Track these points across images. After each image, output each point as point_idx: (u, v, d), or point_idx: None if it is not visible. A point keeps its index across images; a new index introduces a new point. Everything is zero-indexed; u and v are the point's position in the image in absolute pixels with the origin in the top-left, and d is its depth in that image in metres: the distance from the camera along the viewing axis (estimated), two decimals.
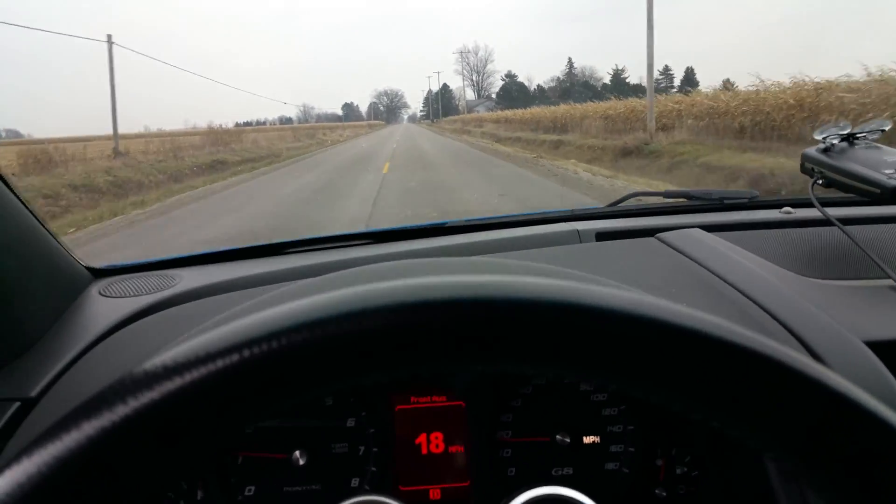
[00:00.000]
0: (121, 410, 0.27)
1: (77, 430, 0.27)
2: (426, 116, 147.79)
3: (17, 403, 0.74)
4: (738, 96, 15.63)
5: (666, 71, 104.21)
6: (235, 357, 0.29)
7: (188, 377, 0.28)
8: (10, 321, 0.81)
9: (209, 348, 0.29)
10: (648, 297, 0.32)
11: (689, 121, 16.17)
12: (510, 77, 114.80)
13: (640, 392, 0.31)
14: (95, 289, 1.02)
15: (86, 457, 0.27)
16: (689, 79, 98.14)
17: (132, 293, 1.00)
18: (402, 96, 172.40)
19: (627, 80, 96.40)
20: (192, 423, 0.29)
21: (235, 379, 0.29)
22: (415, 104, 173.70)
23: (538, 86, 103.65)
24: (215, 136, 26.42)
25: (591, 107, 26.58)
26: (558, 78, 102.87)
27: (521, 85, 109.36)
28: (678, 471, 0.81)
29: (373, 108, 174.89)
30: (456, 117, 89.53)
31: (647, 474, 0.81)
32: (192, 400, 0.28)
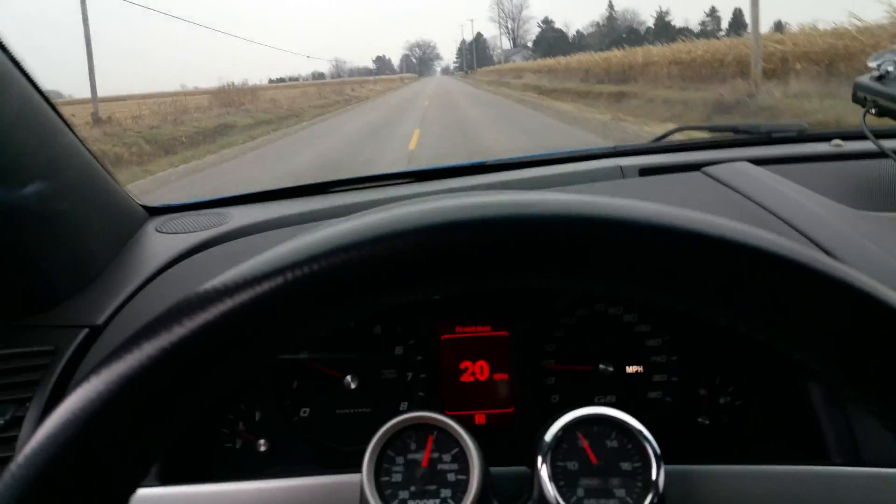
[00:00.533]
0: (178, 331, 0.30)
1: (139, 350, 0.29)
2: (459, 68, 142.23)
3: (86, 330, 0.81)
4: (871, 32, 12.10)
5: (712, 13, 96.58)
6: (280, 279, 0.30)
7: (237, 298, 0.30)
8: (75, 255, 0.88)
9: (255, 272, 0.31)
10: (675, 209, 0.32)
11: (799, 65, 12.08)
12: (547, 23, 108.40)
13: (678, 303, 0.32)
14: (152, 226, 1.08)
15: (149, 373, 0.29)
16: (738, 21, 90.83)
17: (186, 230, 1.06)
18: (434, 47, 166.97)
19: (672, 23, 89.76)
20: (249, 336, 0.30)
21: (281, 298, 0.30)
22: (447, 55, 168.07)
23: (577, 32, 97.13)
24: (226, 95, 22.49)
25: (657, 51, 22.29)
26: (598, 23, 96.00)
27: (560, 32, 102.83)
28: (721, 400, 0.83)
29: (405, 60, 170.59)
30: (491, 68, 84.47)
31: (690, 403, 0.83)
32: (245, 318, 0.30)
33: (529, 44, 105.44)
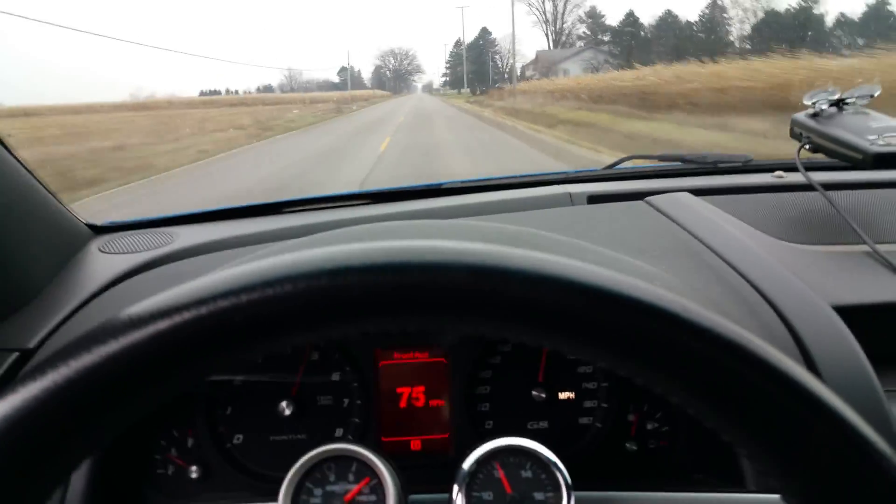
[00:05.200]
0: (86, 359, 0.32)
1: (42, 377, 0.32)
2: (451, 83, 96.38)
3: (16, 354, 0.86)
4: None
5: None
6: (187, 314, 0.33)
7: (145, 331, 0.32)
8: (10, 276, 0.96)
9: (162, 306, 0.33)
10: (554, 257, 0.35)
11: None
12: (595, 17, 63.81)
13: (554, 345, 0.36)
14: (95, 245, 1.17)
15: (50, 402, 0.32)
16: None
17: (130, 250, 1.14)
18: (414, 57, 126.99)
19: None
20: (153, 371, 0.33)
21: (191, 333, 0.33)
22: (432, 69, 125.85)
23: (687, 22, 52.64)
24: None
25: None
26: (701, 15, 51.86)
27: (666, 21, 56.69)
28: (649, 426, 0.93)
29: (377, 73, 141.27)
30: (530, 84, 38.59)
31: (619, 429, 0.94)
32: (150, 351, 0.32)
33: (599, 39, 60.70)
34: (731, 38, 46.70)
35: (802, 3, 53.63)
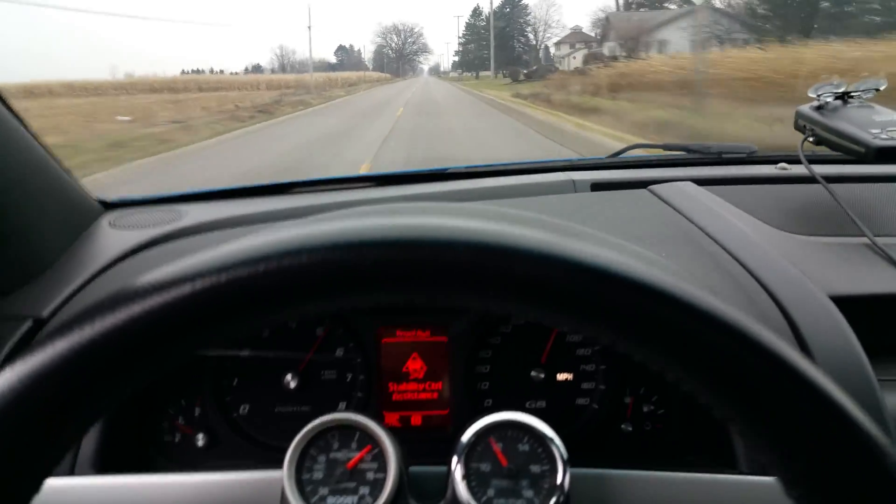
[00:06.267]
0: (89, 330, 0.33)
1: (51, 346, 0.34)
2: (465, 64, 79.70)
3: (30, 322, 0.91)
4: None
5: None
6: (187, 287, 0.34)
7: (145, 303, 0.34)
8: (23, 248, 1.00)
9: (171, 276, 0.35)
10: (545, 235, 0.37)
11: None
12: None
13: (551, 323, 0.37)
14: (106, 220, 1.21)
15: (57, 370, 0.33)
16: None
17: (140, 226, 1.18)
18: (420, 34, 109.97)
19: None
20: (157, 340, 0.34)
21: (187, 306, 0.34)
22: (440, 48, 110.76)
23: None
24: None
25: None
26: None
27: None
28: (645, 408, 0.96)
29: (379, 53, 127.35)
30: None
31: (615, 410, 0.97)
32: (157, 320, 0.34)
33: None
34: None
35: None
